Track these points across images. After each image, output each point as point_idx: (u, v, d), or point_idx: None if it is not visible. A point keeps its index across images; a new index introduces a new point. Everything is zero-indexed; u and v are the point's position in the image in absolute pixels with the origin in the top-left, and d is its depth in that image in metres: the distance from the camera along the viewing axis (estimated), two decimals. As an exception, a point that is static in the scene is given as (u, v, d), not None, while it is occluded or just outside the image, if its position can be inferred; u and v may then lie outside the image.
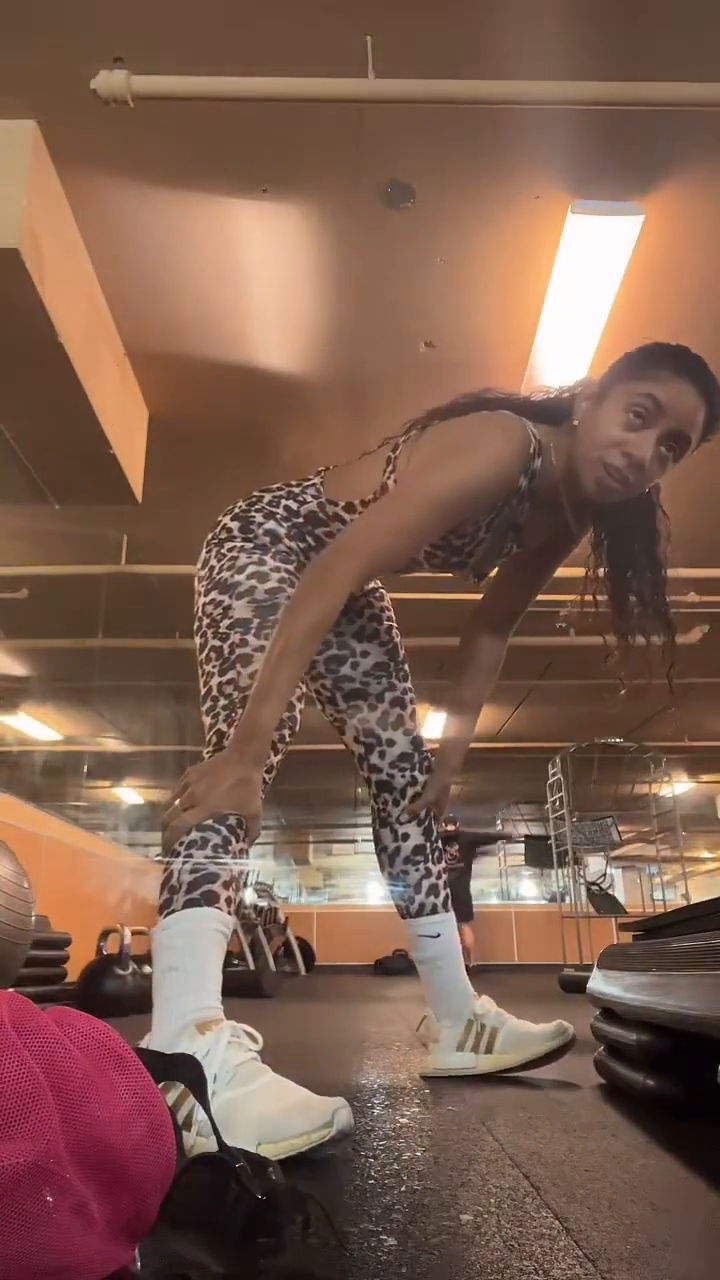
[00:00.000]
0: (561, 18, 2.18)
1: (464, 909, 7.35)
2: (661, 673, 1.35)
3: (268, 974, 5.02)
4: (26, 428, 3.15)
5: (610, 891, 5.84)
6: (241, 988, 4.40)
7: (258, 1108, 0.93)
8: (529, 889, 14.91)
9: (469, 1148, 1.00)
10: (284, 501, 1.39)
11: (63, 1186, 0.47)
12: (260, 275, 3.06)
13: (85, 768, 9.92)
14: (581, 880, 5.76)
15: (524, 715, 8.03)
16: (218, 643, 1.29)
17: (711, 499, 4.04)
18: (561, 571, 1.58)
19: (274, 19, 2.18)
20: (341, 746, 1.63)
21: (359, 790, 10.93)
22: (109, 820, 11.66)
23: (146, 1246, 0.57)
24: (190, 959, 1.07)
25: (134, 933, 3.53)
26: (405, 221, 2.81)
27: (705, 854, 15.38)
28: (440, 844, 1.60)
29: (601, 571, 1.42)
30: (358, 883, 16.58)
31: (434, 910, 1.55)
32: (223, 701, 1.25)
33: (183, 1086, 0.92)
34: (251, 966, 5.43)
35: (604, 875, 5.97)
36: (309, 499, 1.39)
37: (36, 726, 8.20)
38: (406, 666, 1.61)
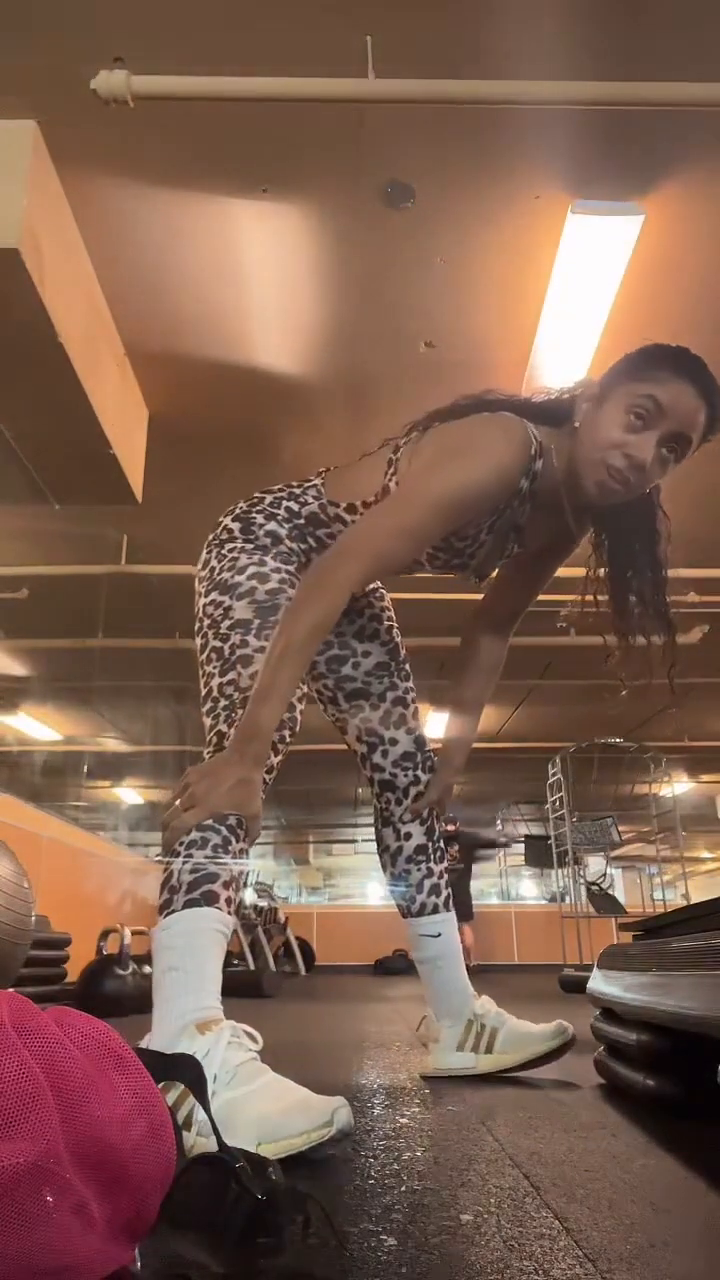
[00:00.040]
0: (561, 18, 2.18)
1: (464, 909, 7.35)
2: (662, 673, 1.36)
3: (268, 974, 5.02)
4: (26, 428, 3.15)
5: (610, 891, 5.84)
6: (241, 988, 4.40)
7: (257, 1107, 0.93)
8: (529, 889, 14.91)
9: (469, 1148, 1.00)
10: (285, 503, 1.39)
11: (63, 1186, 0.47)
12: (260, 275, 3.06)
13: (85, 768, 9.92)
14: (581, 880, 5.76)
15: (524, 715, 8.03)
16: (218, 644, 1.29)
17: (712, 499, 4.04)
18: (562, 571, 1.58)
19: (274, 19, 2.18)
20: (341, 746, 1.63)
21: (359, 790, 10.94)
22: (109, 820, 11.66)
23: (146, 1246, 0.57)
24: (190, 959, 1.07)
25: (134, 933, 3.53)
26: (405, 221, 2.81)
27: (705, 854, 15.38)
28: (442, 844, 1.60)
29: (602, 572, 1.42)
30: (358, 883, 16.58)
31: (435, 910, 1.55)
32: (223, 702, 1.25)
33: (183, 1086, 0.92)
34: (251, 966, 5.43)
35: (604, 875, 5.97)
36: (310, 500, 1.40)
37: (36, 726, 8.20)
38: (408, 666, 1.61)
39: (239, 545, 1.35)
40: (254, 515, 1.38)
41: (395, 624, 1.63)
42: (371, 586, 1.59)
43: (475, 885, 8.63)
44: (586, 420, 1.28)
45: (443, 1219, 0.74)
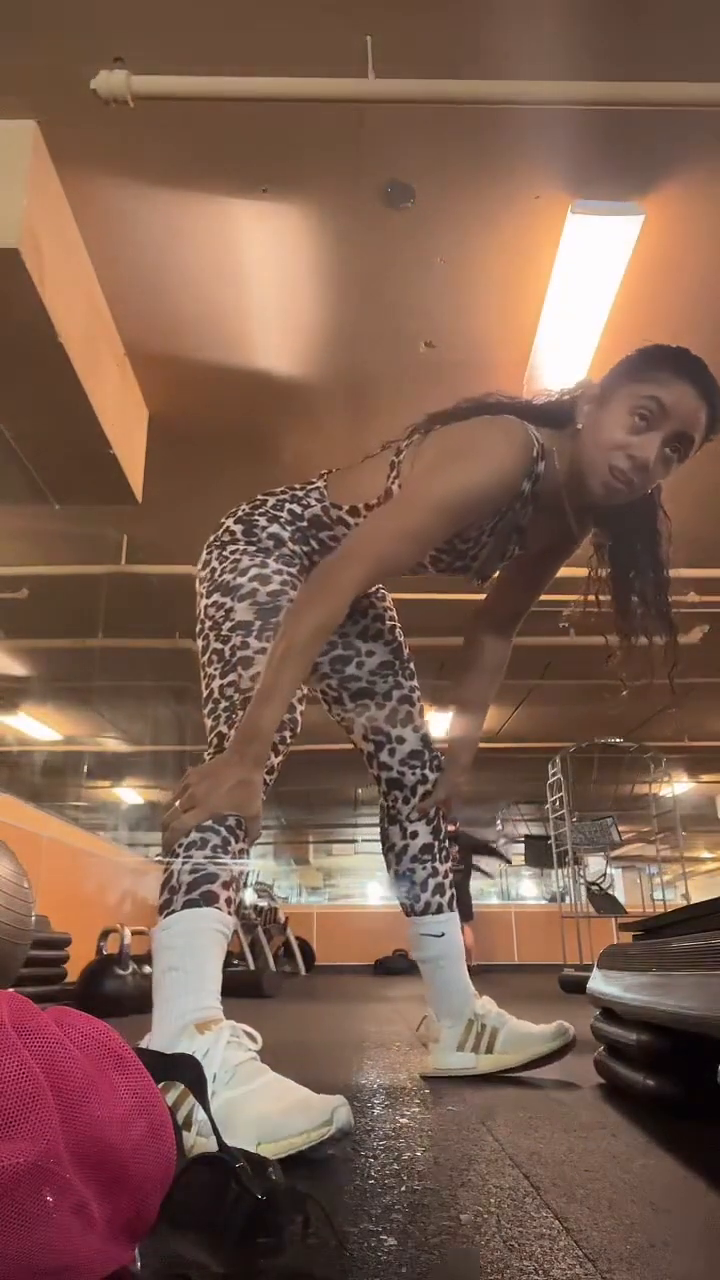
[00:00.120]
0: (561, 18, 2.18)
1: (464, 909, 7.35)
2: (663, 673, 1.36)
3: (268, 974, 5.02)
4: (26, 428, 3.15)
5: (610, 891, 5.84)
6: (241, 988, 4.40)
7: (257, 1107, 0.93)
8: (529, 889, 14.91)
9: (469, 1148, 1.00)
10: (288, 505, 1.40)
11: (63, 1186, 0.47)
12: (260, 275, 3.05)
13: (85, 768, 9.92)
14: (581, 880, 5.76)
15: (524, 715, 8.04)
16: (219, 645, 1.29)
17: (713, 499, 4.04)
18: (564, 572, 1.58)
19: (274, 19, 2.18)
20: (341, 746, 1.63)
21: (359, 790, 10.94)
22: (109, 820, 11.66)
23: (146, 1246, 0.57)
24: (190, 959, 1.07)
25: (134, 933, 3.53)
26: (405, 221, 2.81)
27: (705, 854, 15.38)
28: (448, 844, 1.60)
29: (604, 572, 1.42)
30: (358, 883, 16.58)
31: (439, 910, 1.55)
32: (224, 704, 1.25)
33: (183, 1086, 0.92)
34: (251, 966, 5.43)
35: (604, 875, 5.97)
36: (312, 502, 1.40)
37: (36, 726, 8.20)
38: (412, 665, 1.62)
39: (241, 547, 1.36)
40: (256, 517, 1.38)
41: (398, 624, 1.64)
42: (373, 587, 1.59)
43: (475, 885, 8.63)
44: (589, 422, 1.28)
45: (443, 1219, 0.74)
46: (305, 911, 10.55)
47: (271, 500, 1.40)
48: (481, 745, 1.69)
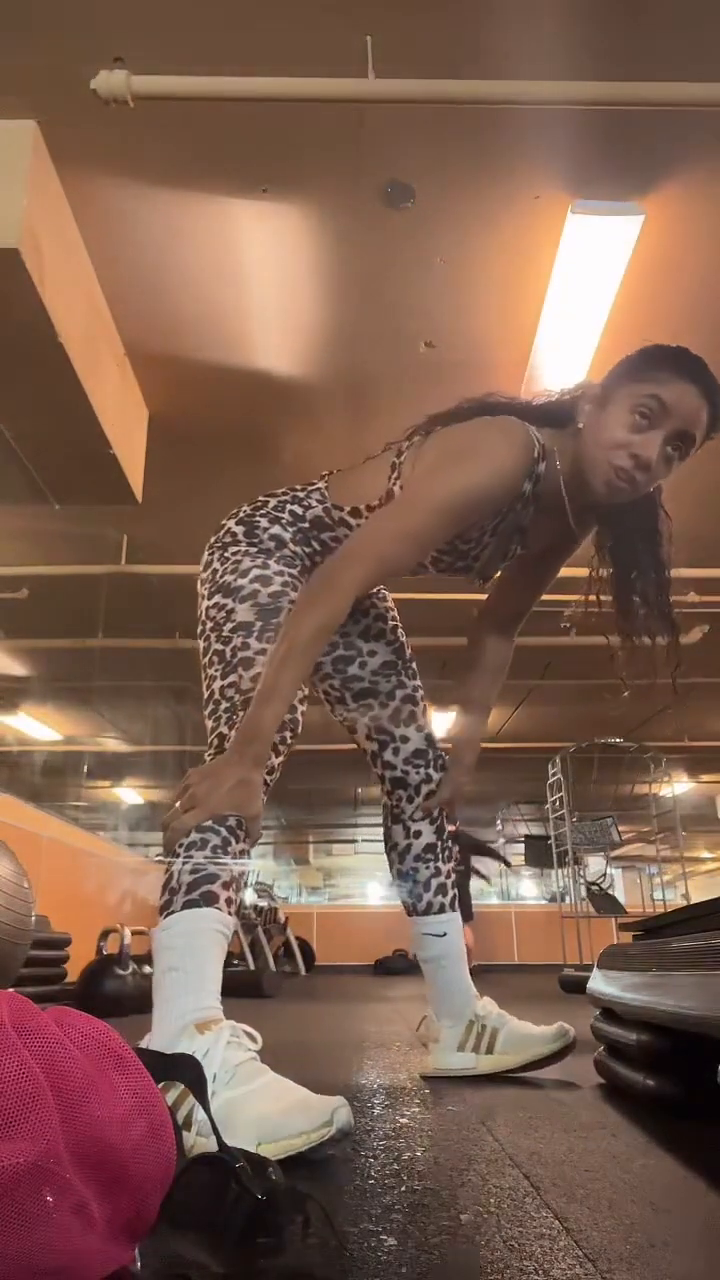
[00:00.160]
0: (561, 18, 2.18)
1: (464, 909, 7.34)
2: (665, 673, 1.36)
3: (268, 974, 5.02)
4: (26, 428, 3.15)
5: (610, 891, 5.84)
6: (241, 988, 4.40)
7: (257, 1108, 0.93)
8: (529, 889, 14.91)
9: (469, 1148, 1.00)
10: (289, 506, 1.40)
11: (63, 1186, 0.47)
12: (260, 275, 3.05)
13: (85, 768, 9.92)
14: (581, 880, 5.76)
15: (524, 715, 8.04)
16: (220, 646, 1.29)
17: (714, 498, 4.04)
18: (565, 572, 1.59)
19: (274, 19, 2.18)
20: (341, 746, 1.64)
21: (359, 790, 10.94)
22: (109, 820, 11.66)
23: (146, 1246, 0.57)
24: (190, 959, 1.07)
25: (134, 933, 3.53)
26: (405, 221, 2.81)
27: (705, 854, 15.38)
28: (451, 844, 1.60)
29: (605, 573, 1.42)
30: (358, 883, 16.58)
31: (441, 909, 1.55)
32: (224, 705, 1.25)
33: (183, 1086, 0.92)
34: (251, 966, 5.43)
35: (604, 875, 5.97)
36: (314, 504, 1.40)
37: (36, 726, 8.20)
38: (414, 665, 1.62)
39: (242, 548, 1.36)
40: (258, 518, 1.39)
41: (399, 624, 1.64)
42: (375, 588, 1.60)
43: (475, 885, 8.63)
44: (590, 422, 1.29)
45: (443, 1219, 0.74)
46: (305, 911, 10.55)
47: (273, 501, 1.41)
48: (482, 745, 1.69)
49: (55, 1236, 0.46)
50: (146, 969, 3.27)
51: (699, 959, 1.10)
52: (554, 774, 5.85)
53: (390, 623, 1.62)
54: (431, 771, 1.58)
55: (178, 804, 1.12)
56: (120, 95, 2.13)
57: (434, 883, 1.56)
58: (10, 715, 7.99)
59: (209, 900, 1.09)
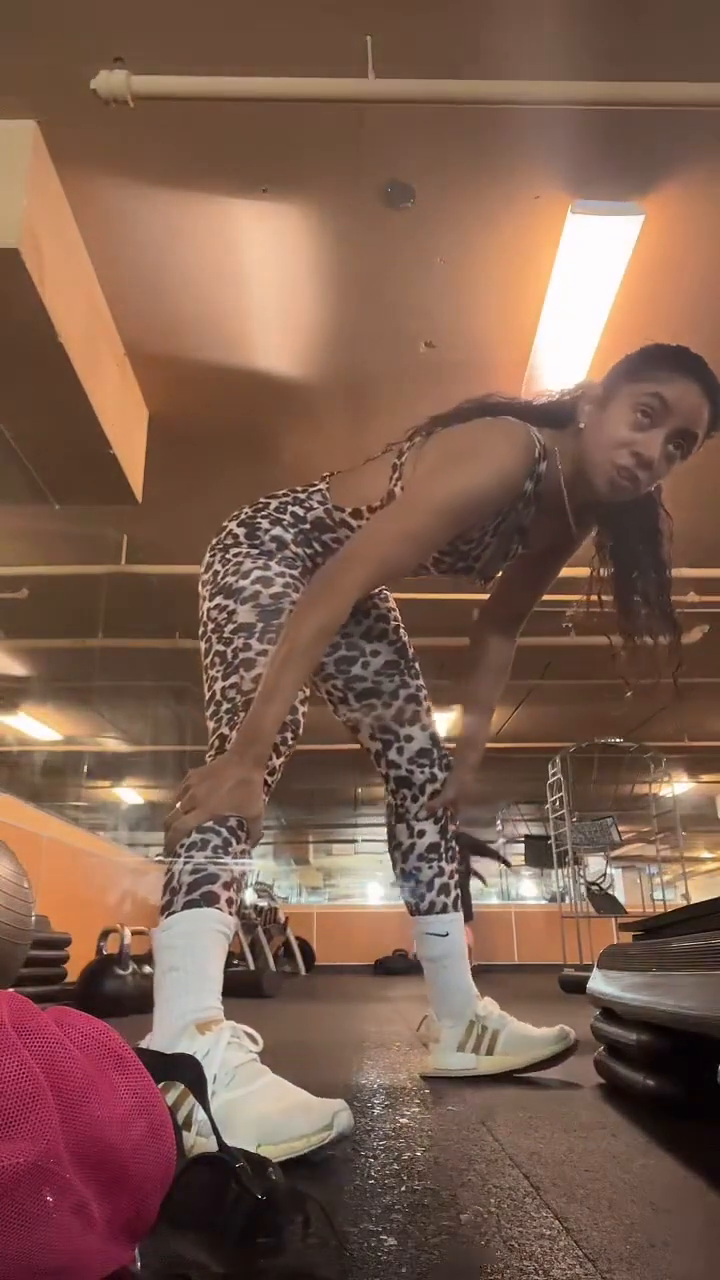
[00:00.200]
0: (561, 18, 2.18)
1: (464, 909, 7.34)
2: (668, 673, 1.36)
3: (268, 974, 5.02)
4: (26, 428, 3.15)
5: (610, 891, 5.85)
6: (241, 988, 4.40)
7: (257, 1109, 0.93)
8: (529, 889, 14.90)
9: (469, 1148, 1.00)
10: (290, 508, 1.40)
11: (63, 1186, 0.47)
12: (260, 275, 3.05)
13: (85, 768, 9.92)
14: (581, 880, 5.76)
15: (524, 715, 8.03)
16: (221, 647, 1.30)
17: (714, 498, 4.04)
18: (566, 572, 1.59)
19: (274, 19, 2.18)
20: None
21: (359, 790, 10.94)
22: (109, 820, 11.66)
23: (146, 1246, 0.57)
24: (190, 959, 1.07)
25: (134, 933, 3.53)
26: (405, 221, 2.81)
27: (705, 854, 15.37)
28: (455, 844, 1.60)
29: (605, 572, 1.42)
30: (358, 883, 16.58)
31: (444, 909, 1.55)
32: (225, 706, 1.25)
33: (183, 1086, 0.92)
34: (251, 966, 5.43)
35: (604, 875, 5.97)
36: (315, 505, 1.40)
37: (36, 726, 8.20)
38: (417, 664, 1.62)
39: (244, 550, 1.36)
40: (259, 520, 1.39)
41: (401, 624, 1.64)
42: (376, 589, 1.60)
43: (474, 885, 8.64)
44: (592, 421, 1.29)
45: (443, 1219, 0.74)
46: (305, 911, 10.55)
47: (274, 503, 1.41)
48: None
49: (55, 1236, 0.46)
50: (146, 969, 3.27)
51: (699, 959, 1.10)
52: (554, 774, 5.85)
53: (392, 623, 1.62)
54: (436, 771, 1.58)
55: (178, 805, 1.12)
56: (120, 95, 2.13)
57: (437, 882, 1.56)
58: (10, 715, 7.99)
59: (210, 900, 1.09)
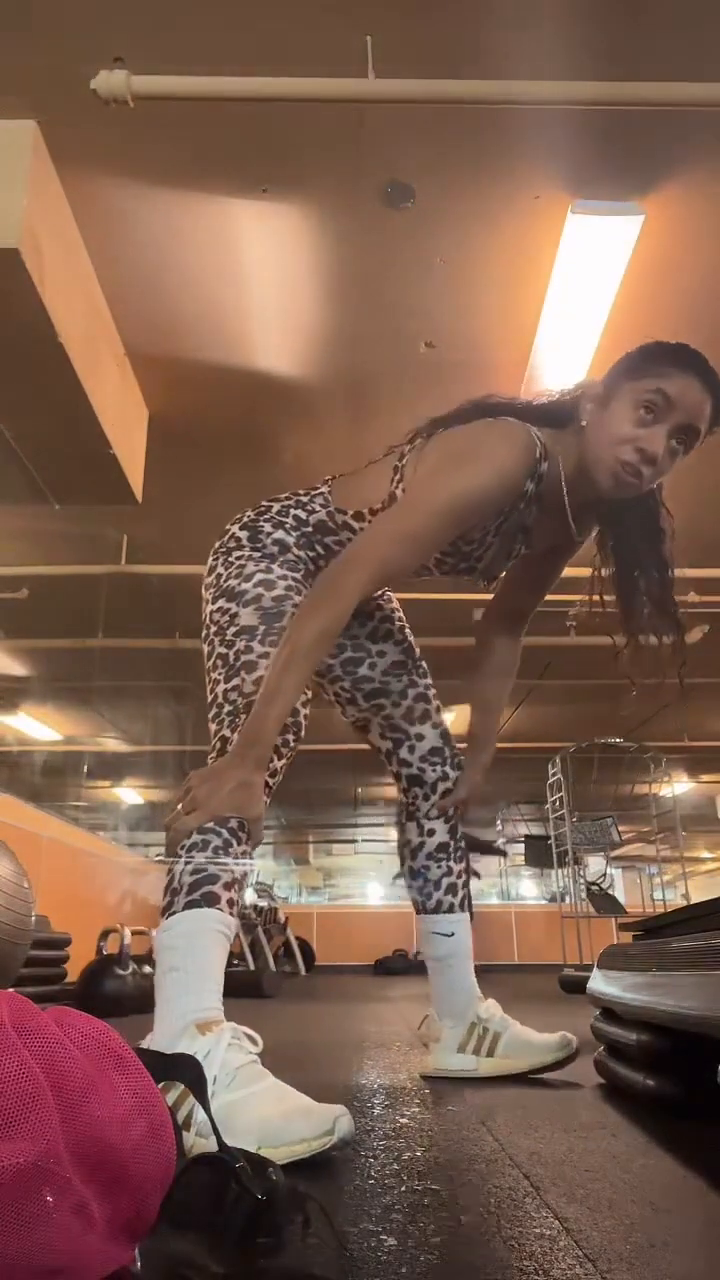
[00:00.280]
0: (561, 18, 2.18)
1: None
2: (672, 672, 1.37)
3: (268, 974, 5.02)
4: (26, 428, 3.15)
5: (610, 891, 5.85)
6: (241, 988, 4.40)
7: (258, 1111, 0.93)
8: (529, 889, 14.91)
9: (469, 1148, 1.00)
10: (293, 511, 1.40)
11: (63, 1186, 0.47)
12: (260, 275, 3.05)
13: (85, 768, 9.92)
14: (581, 880, 5.76)
15: (524, 715, 8.03)
16: (224, 650, 1.30)
17: (715, 498, 4.04)
18: (568, 571, 1.59)
19: (274, 19, 2.18)
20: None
21: (359, 790, 10.94)
22: (109, 820, 11.66)
23: (146, 1246, 0.57)
24: (191, 959, 1.07)
25: (134, 933, 3.53)
26: (405, 221, 2.81)
27: (705, 854, 15.37)
28: (464, 844, 1.61)
29: (607, 572, 1.42)
30: (358, 883, 16.58)
31: (451, 909, 1.56)
32: (227, 708, 1.26)
33: (183, 1086, 0.92)
34: (251, 966, 5.43)
35: (604, 875, 5.97)
36: (317, 508, 1.40)
37: (36, 726, 8.20)
38: (424, 664, 1.63)
39: (246, 553, 1.36)
40: (261, 523, 1.39)
41: (406, 624, 1.64)
42: (378, 591, 1.60)
43: (475, 885, 8.63)
44: (594, 419, 1.29)
45: (443, 1219, 0.74)
46: (305, 911, 10.55)
47: (276, 506, 1.41)
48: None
49: (55, 1236, 0.46)
50: (146, 969, 3.27)
51: (699, 959, 1.10)
52: (554, 774, 5.85)
53: (397, 623, 1.62)
54: (448, 769, 1.59)
55: (180, 806, 1.13)
56: (120, 95, 2.13)
57: (445, 882, 1.56)
58: (10, 715, 7.99)
59: (210, 901, 1.09)
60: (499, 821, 12.38)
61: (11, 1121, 0.46)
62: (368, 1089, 1.43)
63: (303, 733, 1.28)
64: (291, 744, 1.26)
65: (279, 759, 1.23)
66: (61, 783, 10.02)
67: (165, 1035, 1.02)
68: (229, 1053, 0.99)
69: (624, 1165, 0.92)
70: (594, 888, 5.76)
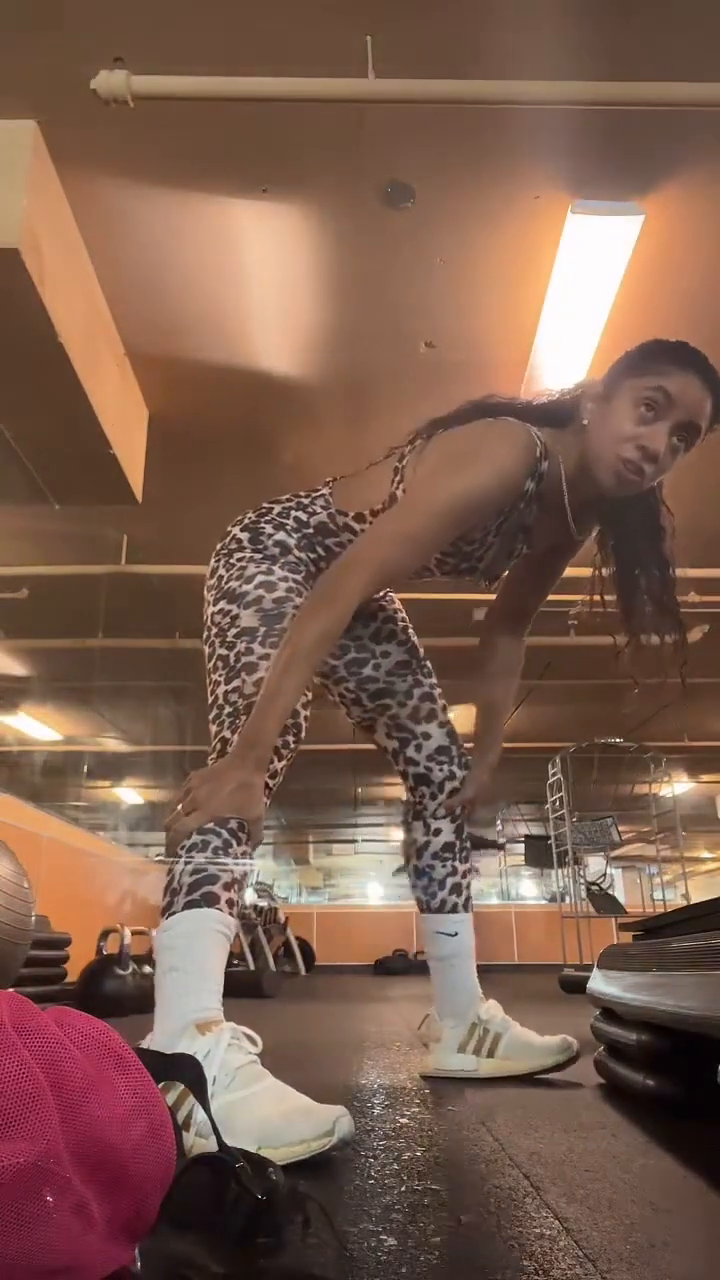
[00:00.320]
0: (562, 18, 2.18)
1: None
2: (674, 671, 1.37)
3: (268, 974, 5.02)
4: (26, 428, 3.15)
5: (610, 891, 5.84)
6: (241, 988, 4.40)
7: (258, 1111, 0.93)
8: (529, 889, 14.90)
9: (469, 1148, 1.00)
10: (294, 513, 1.41)
11: (63, 1186, 0.47)
12: (260, 275, 3.05)
13: (85, 768, 9.92)
14: (581, 880, 5.76)
15: (524, 715, 8.03)
16: (224, 651, 1.30)
17: (715, 497, 4.04)
18: (570, 571, 1.59)
19: (274, 19, 2.18)
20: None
21: (359, 790, 10.94)
22: (109, 820, 11.66)
23: (146, 1246, 0.57)
24: (191, 959, 1.07)
25: (134, 933, 3.53)
26: (405, 221, 2.81)
27: (705, 854, 15.37)
28: (469, 844, 1.61)
29: (607, 571, 1.42)
30: (358, 883, 16.59)
31: (455, 909, 1.56)
32: (227, 709, 1.26)
33: (183, 1086, 0.92)
34: (251, 966, 5.43)
35: (604, 875, 5.97)
36: (318, 510, 1.41)
37: (36, 726, 8.20)
38: (428, 664, 1.63)
39: (247, 555, 1.36)
40: (262, 525, 1.39)
41: (409, 625, 1.64)
42: (379, 592, 1.60)
43: (475, 885, 8.63)
44: (595, 418, 1.29)
45: (443, 1219, 0.74)
46: (305, 911, 10.55)
47: (277, 508, 1.41)
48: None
49: (55, 1236, 0.46)
50: (146, 969, 3.27)
51: (699, 959, 1.10)
52: (554, 774, 5.85)
53: (400, 624, 1.62)
54: (455, 768, 1.59)
55: (180, 806, 1.13)
56: (120, 95, 2.13)
57: (449, 881, 1.56)
58: (10, 715, 7.99)
59: (210, 901, 1.09)
60: (499, 821, 12.38)
61: (11, 1121, 0.46)
62: (368, 1089, 1.44)
63: (303, 734, 1.28)
64: (292, 745, 1.26)
65: (279, 760, 1.23)
66: (61, 783, 10.03)
67: (165, 1035, 1.02)
68: (229, 1053, 0.99)
69: (624, 1165, 0.92)
70: (594, 888, 5.76)
